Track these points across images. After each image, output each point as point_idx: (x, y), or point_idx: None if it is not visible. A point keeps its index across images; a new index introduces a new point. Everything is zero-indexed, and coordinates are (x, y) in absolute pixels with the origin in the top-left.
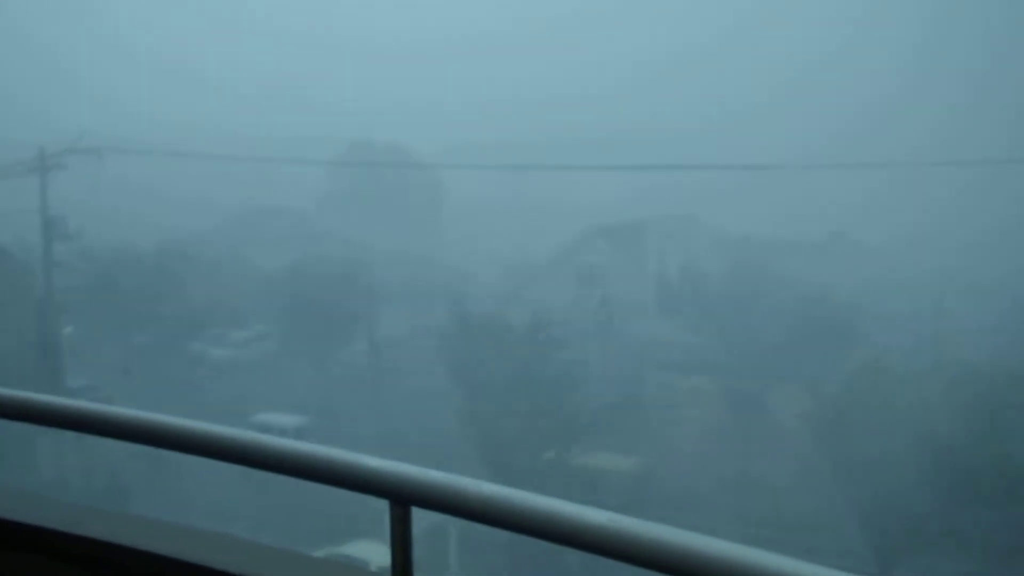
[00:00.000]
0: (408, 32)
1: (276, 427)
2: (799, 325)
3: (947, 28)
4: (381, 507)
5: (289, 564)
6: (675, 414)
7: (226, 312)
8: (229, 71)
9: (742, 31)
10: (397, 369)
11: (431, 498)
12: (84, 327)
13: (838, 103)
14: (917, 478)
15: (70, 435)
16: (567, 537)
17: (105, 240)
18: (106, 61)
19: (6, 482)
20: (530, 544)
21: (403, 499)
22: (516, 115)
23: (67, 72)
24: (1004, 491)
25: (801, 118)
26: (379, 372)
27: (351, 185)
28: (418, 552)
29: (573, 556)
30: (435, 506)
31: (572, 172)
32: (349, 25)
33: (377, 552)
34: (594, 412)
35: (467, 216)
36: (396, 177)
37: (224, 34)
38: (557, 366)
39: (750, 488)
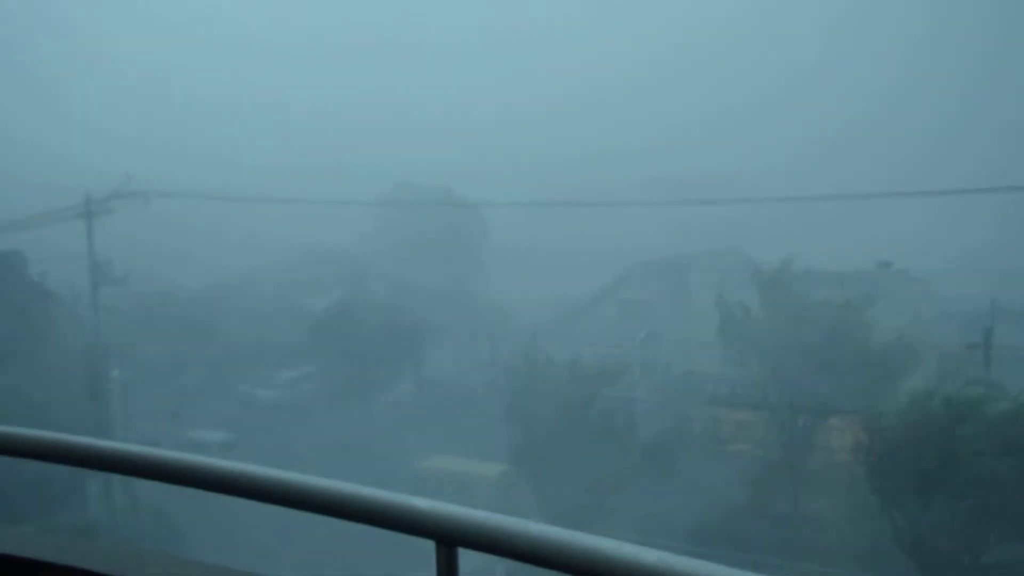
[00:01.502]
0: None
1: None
2: (847, 356)
3: (1001, 51)
4: (429, 548)
5: None
6: (723, 449)
7: (273, 353)
8: (268, 106)
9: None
10: (444, 408)
11: (477, 538)
12: (132, 370)
13: (889, 134)
14: (971, 512)
15: (118, 475)
16: None
17: (152, 283)
18: (145, 106)
19: (56, 525)
20: None
21: (449, 540)
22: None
23: (108, 118)
24: None
25: (849, 149)
26: (426, 411)
27: (396, 225)
28: None
29: None
30: (481, 547)
31: (615, 209)
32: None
33: None
34: (642, 448)
35: (511, 255)
36: (441, 217)
37: (262, 69)
38: (604, 403)
39: (801, 522)
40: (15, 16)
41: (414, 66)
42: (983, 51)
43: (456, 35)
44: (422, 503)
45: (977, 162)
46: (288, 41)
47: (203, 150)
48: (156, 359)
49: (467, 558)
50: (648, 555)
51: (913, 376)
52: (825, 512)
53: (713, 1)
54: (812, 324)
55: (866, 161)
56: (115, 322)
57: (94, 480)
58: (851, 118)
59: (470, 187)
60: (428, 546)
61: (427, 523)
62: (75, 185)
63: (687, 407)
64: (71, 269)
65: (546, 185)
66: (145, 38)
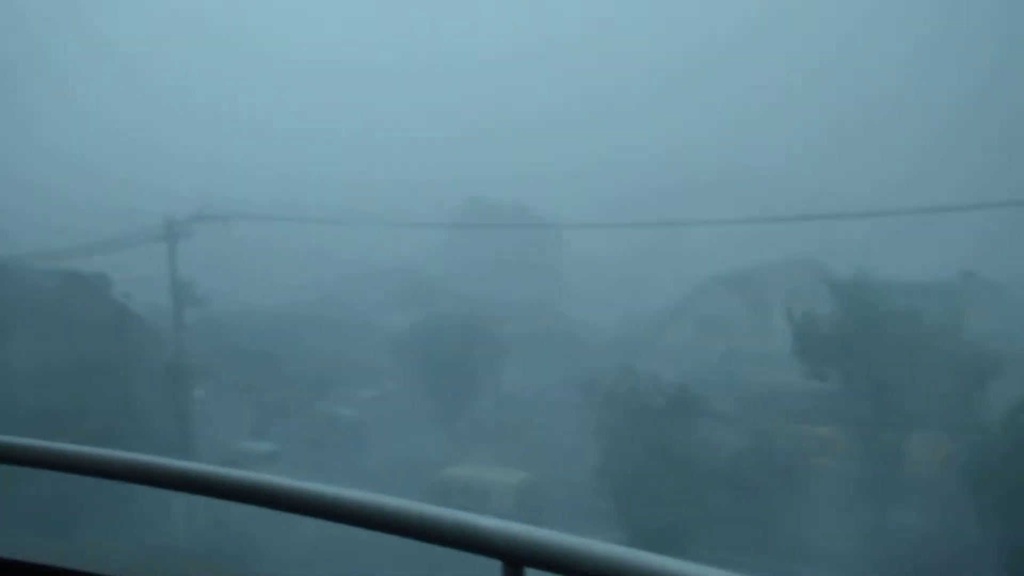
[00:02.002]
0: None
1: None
2: (931, 369)
3: None
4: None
5: None
6: (806, 464)
7: (351, 371)
8: (340, 127)
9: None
10: (524, 424)
11: (544, 558)
12: (214, 389)
13: (967, 142)
14: None
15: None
16: None
17: (233, 303)
18: (216, 129)
19: (138, 543)
20: None
21: (516, 559)
22: (627, 169)
23: (186, 142)
24: None
25: (926, 157)
26: (505, 428)
27: (470, 242)
28: None
29: None
30: (548, 566)
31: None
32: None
33: None
34: (724, 465)
35: (586, 269)
36: (514, 232)
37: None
38: (684, 419)
39: (888, 537)
40: (77, 45)
41: (471, 79)
42: None
43: (498, 46)
44: (488, 522)
45: None
46: (350, 61)
47: (278, 171)
48: (237, 378)
49: None
50: (716, 575)
51: (1000, 387)
52: (919, 526)
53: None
54: (894, 336)
55: (942, 172)
56: (197, 342)
57: (177, 499)
58: (928, 131)
59: (542, 202)
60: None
61: (494, 542)
62: (154, 209)
63: (768, 422)
64: (154, 290)
65: (613, 190)
66: (210, 60)
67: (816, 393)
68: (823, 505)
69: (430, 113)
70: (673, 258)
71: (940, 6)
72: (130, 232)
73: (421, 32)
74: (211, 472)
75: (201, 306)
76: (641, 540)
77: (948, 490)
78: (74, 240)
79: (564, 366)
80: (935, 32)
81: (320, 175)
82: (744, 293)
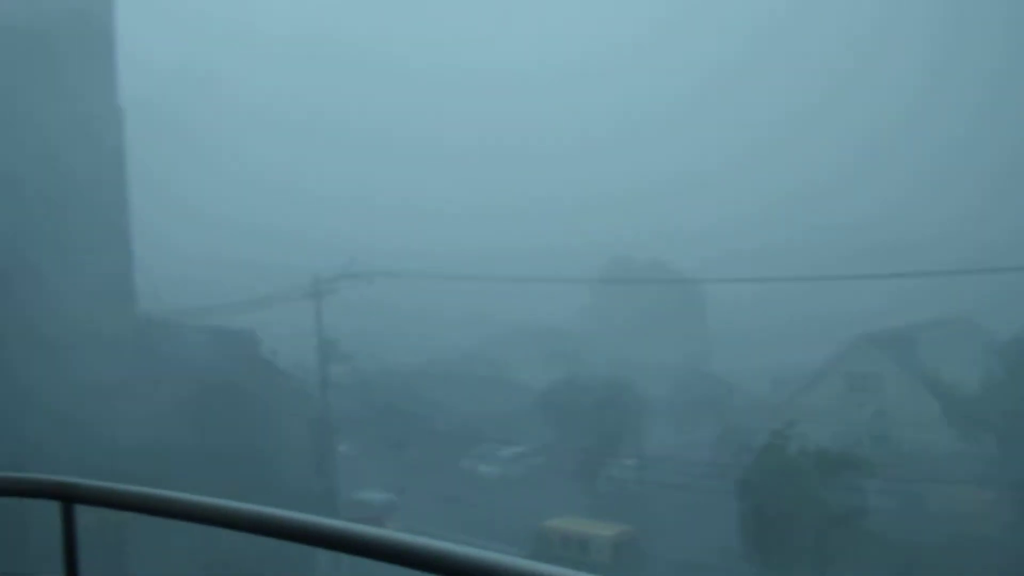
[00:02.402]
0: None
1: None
2: None
3: None
4: None
5: None
6: (964, 531)
7: (494, 429)
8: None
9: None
10: (666, 485)
11: None
12: (358, 445)
13: None
14: None
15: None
16: None
17: (377, 360)
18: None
19: None
20: None
21: None
22: (770, 222)
23: (334, 199)
24: None
25: None
26: (649, 488)
27: (614, 301)
28: None
29: None
30: None
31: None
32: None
33: None
34: (876, 528)
35: (731, 328)
36: (658, 291)
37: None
38: (835, 480)
39: None
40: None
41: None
42: None
43: (632, 114)
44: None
45: None
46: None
47: (422, 234)
48: (381, 434)
49: None
50: None
51: None
52: None
53: None
54: None
55: None
56: (342, 398)
57: (323, 554)
58: None
59: (684, 259)
60: None
61: None
62: (301, 265)
63: (920, 486)
64: (300, 347)
65: (753, 245)
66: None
67: (971, 456)
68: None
69: (571, 180)
70: (820, 315)
71: None
72: (278, 289)
73: (559, 107)
74: (342, 527)
75: (346, 363)
76: None
77: None
78: (223, 298)
79: (709, 425)
80: None
81: (465, 241)
82: (895, 352)
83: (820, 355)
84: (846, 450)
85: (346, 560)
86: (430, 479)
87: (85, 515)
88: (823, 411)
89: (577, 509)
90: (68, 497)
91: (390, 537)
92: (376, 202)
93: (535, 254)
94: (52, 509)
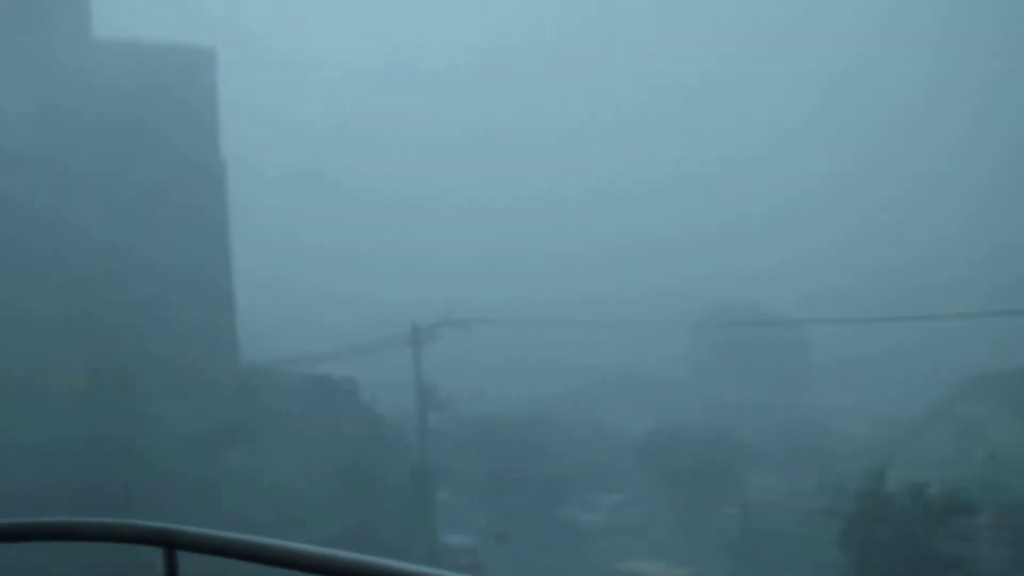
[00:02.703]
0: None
1: None
2: None
3: None
4: None
5: None
6: None
7: (593, 476)
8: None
9: None
10: (769, 533)
11: None
12: (457, 492)
13: None
14: None
15: None
16: None
17: (475, 407)
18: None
19: None
20: None
21: None
22: (865, 261)
23: (431, 248)
24: None
25: None
26: (750, 536)
27: (713, 345)
28: None
29: None
30: None
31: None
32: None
33: None
34: None
35: (833, 371)
36: (757, 335)
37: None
38: (945, 530)
39: None
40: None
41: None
42: None
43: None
44: None
45: None
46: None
47: (517, 280)
48: (479, 481)
49: None
50: None
51: None
52: None
53: None
54: None
55: None
56: (440, 446)
57: None
58: None
59: (781, 301)
60: None
61: None
62: (402, 313)
63: None
64: (399, 394)
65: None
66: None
67: None
68: None
69: (666, 220)
70: (926, 357)
71: None
72: (378, 337)
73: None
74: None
75: (444, 410)
76: None
77: None
78: (324, 345)
79: (812, 471)
80: None
81: (559, 287)
82: (1006, 395)
83: (922, 398)
84: (955, 496)
85: None
86: (529, 527)
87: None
88: (930, 455)
89: (678, 558)
90: (171, 543)
91: None
92: (472, 255)
93: (629, 298)
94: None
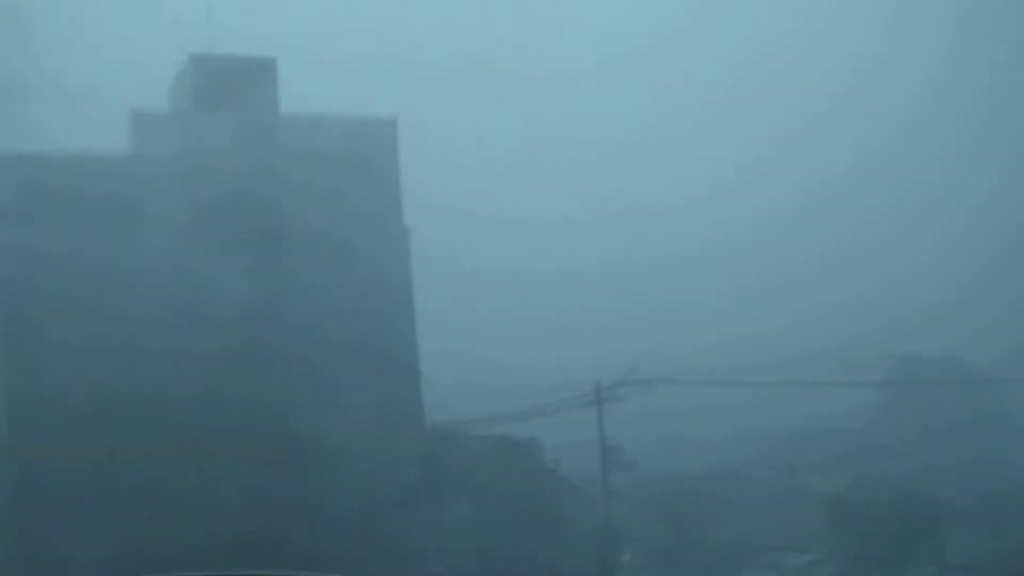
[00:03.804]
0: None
1: None
2: None
3: None
4: None
5: None
6: None
7: (781, 538)
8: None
9: None
10: None
11: None
12: (641, 554)
13: None
14: None
15: None
16: None
17: (658, 468)
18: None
19: None
20: None
21: None
22: None
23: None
24: None
25: None
26: None
27: (907, 401)
28: None
29: None
30: None
31: None
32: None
33: None
34: None
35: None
36: (950, 390)
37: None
38: None
39: None
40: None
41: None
42: None
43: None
44: None
45: None
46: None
47: (699, 339)
48: (664, 543)
49: None
50: None
51: None
52: None
53: None
54: None
55: None
56: (624, 506)
57: None
58: None
59: (977, 354)
60: None
61: None
62: (582, 374)
63: None
64: (582, 456)
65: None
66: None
67: None
68: None
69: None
70: None
71: None
72: (561, 398)
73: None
74: None
75: (628, 471)
76: None
77: None
78: (507, 407)
79: (1017, 531)
80: None
81: (743, 346)
82: None
83: None
84: None
85: None
86: None
87: None
88: None
89: None
90: None
91: None
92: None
93: (815, 355)
94: None
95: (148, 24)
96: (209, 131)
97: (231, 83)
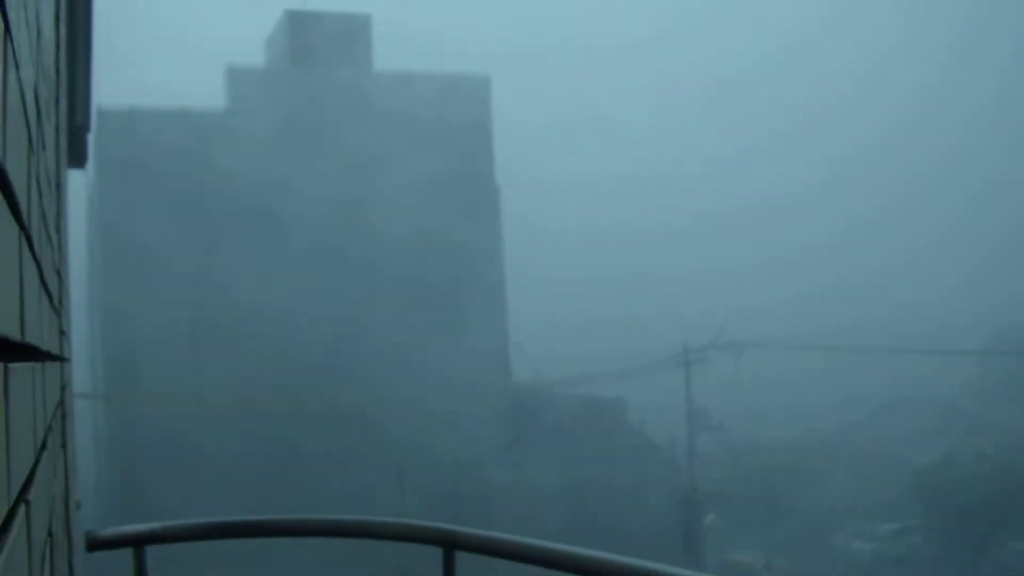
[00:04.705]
0: None
1: None
2: None
3: None
4: None
5: None
6: None
7: (869, 505)
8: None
9: None
10: None
11: None
12: (725, 517)
13: None
14: None
15: None
16: None
17: (746, 432)
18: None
19: None
20: None
21: None
22: None
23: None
24: None
25: None
26: None
27: (999, 372)
28: None
29: None
30: None
31: None
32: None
33: None
34: None
35: None
36: None
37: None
38: None
39: None
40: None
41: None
42: None
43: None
44: None
45: None
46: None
47: (790, 304)
48: (750, 507)
49: None
50: None
51: None
52: None
53: None
54: None
55: None
56: (710, 469)
57: None
58: None
59: None
60: None
61: None
62: (671, 336)
63: None
64: (669, 417)
65: None
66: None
67: None
68: None
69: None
70: None
71: None
72: (650, 359)
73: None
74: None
75: (715, 434)
76: None
77: None
78: (594, 366)
79: None
80: None
81: (839, 311)
82: None
83: None
84: None
85: None
86: (800, 554)
87: None
88: None
89: None
90: (449, 544)
91: None
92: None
93: (915, 321)
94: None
95: None
96: (303, 87)
97: (325, 40)
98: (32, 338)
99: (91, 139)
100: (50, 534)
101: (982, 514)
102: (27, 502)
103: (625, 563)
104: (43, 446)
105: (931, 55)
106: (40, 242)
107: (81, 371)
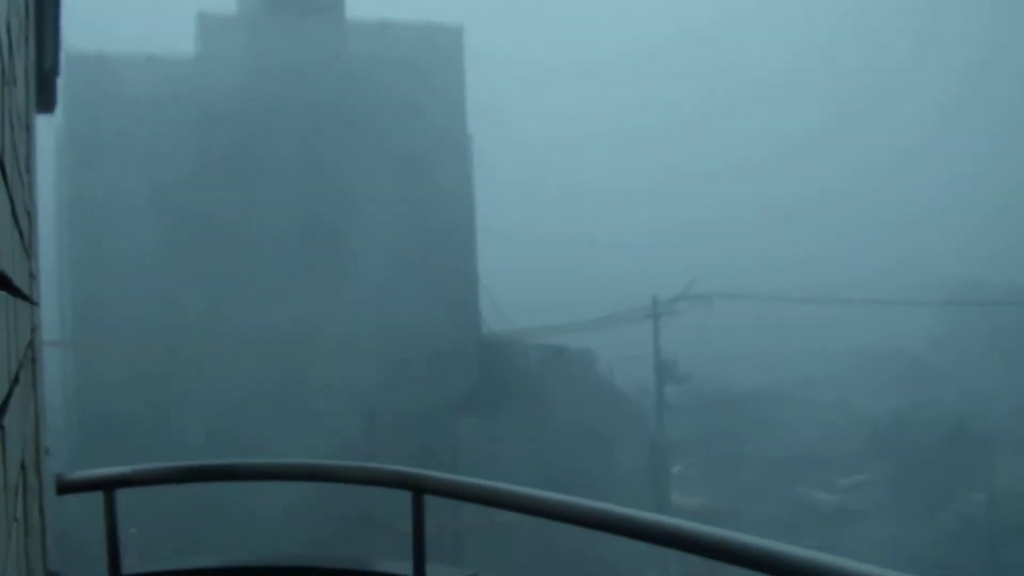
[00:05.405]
0: None
1: None
2: None
3: None
4: None
5: None
6: None
7: (832, 457)
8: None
9: None
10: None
11: None
12: (691, 467)
13: None
14: None
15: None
16: None
17: (713, 383)
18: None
19: None
20: None
21: None
22: None
23: (673, 224)
24: None
25: None
26: (997, 525)
27: (965, 327)
28: None
29: None
30: None
31: None
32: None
33: None
34: None
35: None
36: (1014, 317)
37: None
38: None
39: None
40: None
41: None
42: None
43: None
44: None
45: None
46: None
47: (759, 250)
48: (715, 457)
49: None
50: None
51: None
52: None
53: None
54: None
55: None
56: (677, 419)
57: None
58: None
59: None
60: None
61: None
62: (641, 288)
63: None
64: (637, 368)
65: None
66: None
67: None
68: None
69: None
70: None
71: None
72: (617, 311)
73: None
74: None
75: (682, 384)
76: None
77: None
78: (563, 317)
79: None
80: None
81: (806, 263)
82: None
83: None
84: None
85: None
86: (763, 503)
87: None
88: None
89: (917, 544)
90: (418, 488)
91: (718, 535)
92: (715, 225)
93: (877, 276)
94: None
95: None
96: (274, 35)
97: None
98: (5, 267)
99: (60, 84)
100: (23, 467)
101: (942, 466)
102: (2, 427)
103: (590, 506)
104: (16, 380)
105: (951, 62)
106: (12, 177)
107: (49, 318)
